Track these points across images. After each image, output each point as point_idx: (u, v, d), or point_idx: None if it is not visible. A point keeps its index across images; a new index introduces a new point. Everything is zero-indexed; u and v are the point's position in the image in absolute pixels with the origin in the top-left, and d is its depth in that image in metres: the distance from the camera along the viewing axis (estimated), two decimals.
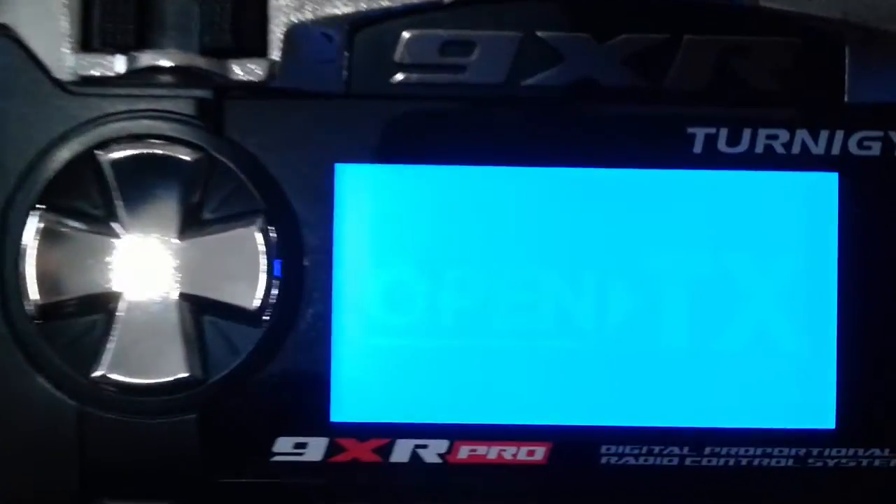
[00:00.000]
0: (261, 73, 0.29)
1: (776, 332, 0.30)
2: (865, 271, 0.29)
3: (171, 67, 0.29)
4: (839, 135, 0.30)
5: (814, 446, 0.30)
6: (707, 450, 0.30)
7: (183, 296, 0.29)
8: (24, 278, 0.28)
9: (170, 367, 0.28)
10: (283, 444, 0.29)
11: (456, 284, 0.30)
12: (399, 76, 0.30)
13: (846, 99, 0.29)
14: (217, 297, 0.29)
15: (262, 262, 0.29)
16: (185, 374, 0.28)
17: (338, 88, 0.29)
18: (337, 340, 0.29)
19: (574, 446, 0.29)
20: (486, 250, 0.30)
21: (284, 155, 0.29)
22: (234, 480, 0.29)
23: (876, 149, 0.30)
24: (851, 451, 0.30)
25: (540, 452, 0.30)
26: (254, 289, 0.29)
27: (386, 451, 0.29)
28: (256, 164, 0.29)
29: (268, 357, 0.29)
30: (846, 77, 0.29)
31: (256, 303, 0.29)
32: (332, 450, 0.29)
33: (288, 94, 0.29)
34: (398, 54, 0.30)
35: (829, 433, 0.30)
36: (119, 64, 0.30)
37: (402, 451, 0.29)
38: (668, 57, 0.29)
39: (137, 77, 0.29)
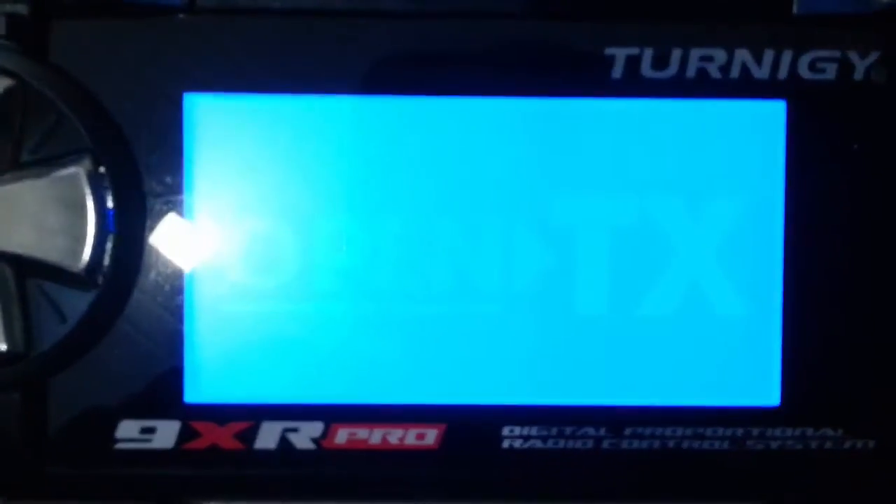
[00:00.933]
0: None
1: (711, 292, 0.25)
2: (816, 219, 0.25)
3: None
4: (787, 55, 0.25)
5: (754, 426, 0.25)
6: (627, 430, 0.25)
7: None
8: None
9: None
10: (128, 429, 0.25)
11: (331, 238, 0.25)
12: None
13: (794, 10, 0.25)
14: (39, 256, 0.24)
15: (91, 212, 0.24)
16: (3, 347, 0.24)
17: (183, 2, 0.25)
18: (190, 306, 0.25)
19: (471, 428, 0.25)
20: (368, 197, 0.25)
21: (120, 83, 0.25)
22: (69, 471, 0.25)
23: (830, 72, 0.25)
24: (798, 432, 0.25)
25: (431, 436, 0.25)
26: (81, 245, 0.24)
27: (249, 435, 0.25)
28: (85, 94, 0.24)
29: (104, 326, 0.25)
30: None
31: (84, 261, 0.24)
32: (185, 435, 0.25)
33: (124, 8, 0.25)
34: None
35: (773, 411, 0.25)
36: None
37: (268, 436, 0.25)
38: None
39: None
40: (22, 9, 0.24)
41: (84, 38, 0.25)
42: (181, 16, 0.24)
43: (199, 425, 0.25)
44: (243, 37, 0.25)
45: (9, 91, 0.24)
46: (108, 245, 0.24)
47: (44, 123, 0.24)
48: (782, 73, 0.25)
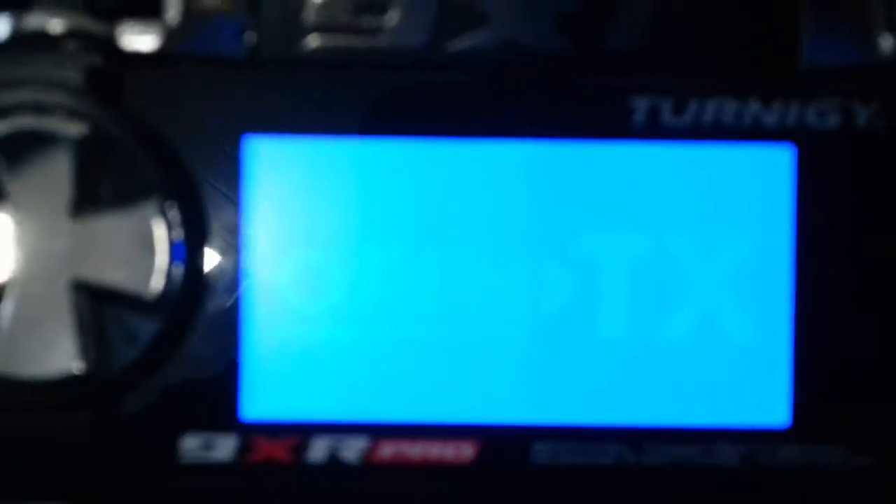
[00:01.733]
0: (157, 36, 0.27)
1: (724, 320, 0.28)
2: (823, 254, 0.27)
3: (59, 33, 0.26)
4: (795, 104, 0.27)
5: (765, 445, 0.27)
6: (647, 448, 0.27)
7: (75, 282, 0.26)
8: None
9: (62, 359, 0.26)
10: (189, 443, 0.27)
11: (377, 268, 0.27)
12: (311, 40, 0.27)
13: (801, 64, 0.27)
14: (113, 284, 0.26)
15: (162, 244, 0.26)
16: (79, 368, 0.26)
17: (244, 54, 0.27)
18: (247, 329, 0.27)
19: (504, 444, 0.27)
20: (410, 230, 0.27)
21: (187, 127, 0.27)
22: (137, 483, 0.27)
23: (835, 119, 0.27)
24: (808, 450, 0.27)
25: (467, 450, 0.27)
26: (152, 275, 0.26)
27: (301, 450, 0.27)
28: (156, 138, 0.27)
29: (170, 348, 0.27)
30: (801, 38, 0.27)
31: (156, 290, 0.26)
32: (242, 449, 0.27)
33: (190, 60, 0.27)
34: (309, 15, 0.27)
35: (784, 431, 0.27)
36: (1, 27, 0.27)
37: (318, 451, 0.27)
38: (605, 17, 0.27)
39: (21, 42, 0.27)
40: (98, 61, 0.27)
41: (153, 86, 0.27)
42: (244, 66, 0.27)
43: (254, 440, 0.27)
44: (299, 85, 0.27)
45: (87, 135, 0.26)
46: (175, 275, 0.27)
47: (118, 164, 0.27)
48: (791, 120, 0.27)
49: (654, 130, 0.27)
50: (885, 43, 0.27)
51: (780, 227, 0.27)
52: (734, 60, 0.27)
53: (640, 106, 0.27)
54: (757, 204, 0.27)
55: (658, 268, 0.27)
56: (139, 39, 0.27)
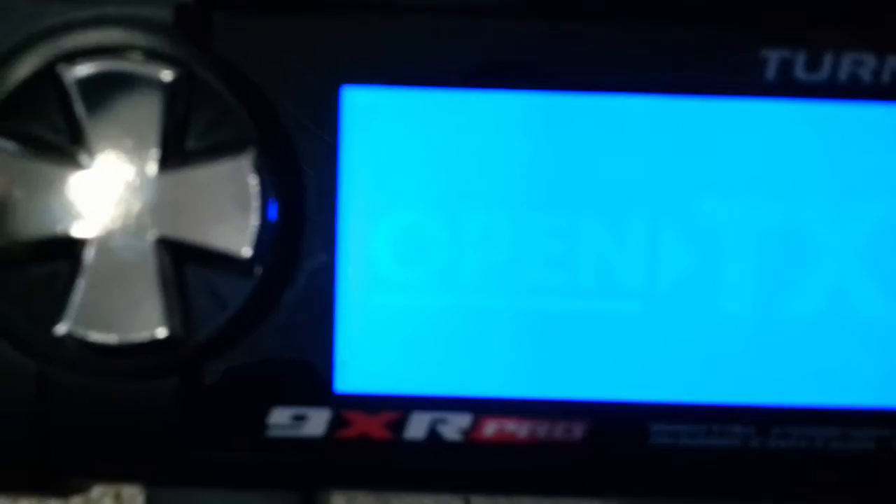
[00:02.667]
0: None
1: (857, 294, 0.26)
2: None
3: None
4: None
5: None
6: (774, 430, 0.25)
7: (161, 240, 0.24)
8: None
9: (146, 323, 0.24)
10: (279, 416, 0.25)
11: (480, 232, 0.25)
12: None
13: None
14: (202, 242, 0.24)
15: (256, 201, 0.24)
16: (164, 332, 0.24)
17: None
18: (342, 297, 0.25)
19: (618, 424, 0.25)
20: (517, 192, 0.25)
21: (282, 75, 0.25)
22: (222, 456, 0.25)
23: None
24: None
25: (578, 430, 0.25)
26: (245, 233, 0.24)
27: (399, 426, 0.25)
28: (249, 85, 0.25)
29: (261, 314, 0.25)
30: None
31: (248, 250, 0.24)
32: (335, 423, 0.25)
33: (287, 0, 0.25)
34: None
35: None
36: None
37: (417, 427, 0.25)
38: None
39: None
40: None
41: (247, 30, 0.25)
42: (344, 9, 0.25)
43: (349, 414, 0.25)
44: (402, 32, 0.25)
45: (176, 80, 0.24)
46: (268, 234, 0.25)
47: (209, 113, 0.25)
48: None
49: (787, 87, 0.25)
50: None
51: None
52: (874, 12, 0.25)
53: (772, 59, 0.25)
54: (893, 169, 0.26)
55: (786, 237, 0.25)
56: None
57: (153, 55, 0.25)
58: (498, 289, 0.26)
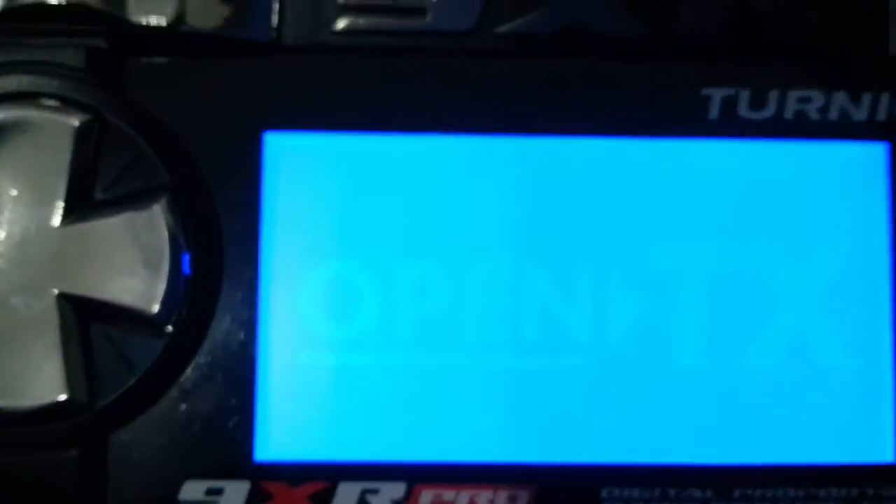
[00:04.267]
0: (166, 14, 0.24)
1: (816, 343, 0.24)
2: None
3: (57, 5, 0.23)
4: (885, 97, 0.24)
5: (868, 485, 0.24)
6: (736, 492, 0.24)
7: (64, 296, 0.22)
8: None
9: (45, 386, 0.22)
10: (193, 490, 0.23)
11: (415, 284, 0.24)
12: (342, 23, 0.24)
13: (891, 50, 0.24)
14: (108, 298, 0.22)
15: (167, 254, 0.23)
16: (65, 397, 0.22)
17: (266, 38, 0.24)
18: (264, 356, 0.24)
19: (567, 489, 0.23)
20: (453, 241, 0.24)
21: (199, 120, 0.24)
22: None
23: None
24: None
25: (524, 497, 0.23)
26: (155, 288, 0.23)
27: (325, 498, 0.23)
28: (163, 130, 0.23)
29: (172, 376, 0.23)
30: (890, 24, 0.24)
31: (157, 306, 0.23)
32: (255, 497, 0.23)
33: (203, 43, 0.24)
34: None
35: (888, 468, 0.24)
36: None
37: (345, 499, 0.23)
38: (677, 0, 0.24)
39: (15, 19, 0.23)
40: (101, 43, 0.23)
41: (163, 74, 0.24)
42: (265, 52, 0.24)
43: (270, 486, 0.23)
44: (329, 73, 0.24)
45: (85, 125, 0.23)
46: (181, 290, 0.23)
47: (120, 160, 0.23)
48: (881, 114, 0.25)
49: (731, 125, 0.24)
50: None
51: (875, 235, 0.24)
52: (818, 49, 0.24)
53: (715, 98, 0.24)
54: (848, 210, 0.24)
55: (739, 283, 0.24)
56: (148, 18, 0.24)
57: (63, 100, 0.23)
58: (435, 345, 0.24)
